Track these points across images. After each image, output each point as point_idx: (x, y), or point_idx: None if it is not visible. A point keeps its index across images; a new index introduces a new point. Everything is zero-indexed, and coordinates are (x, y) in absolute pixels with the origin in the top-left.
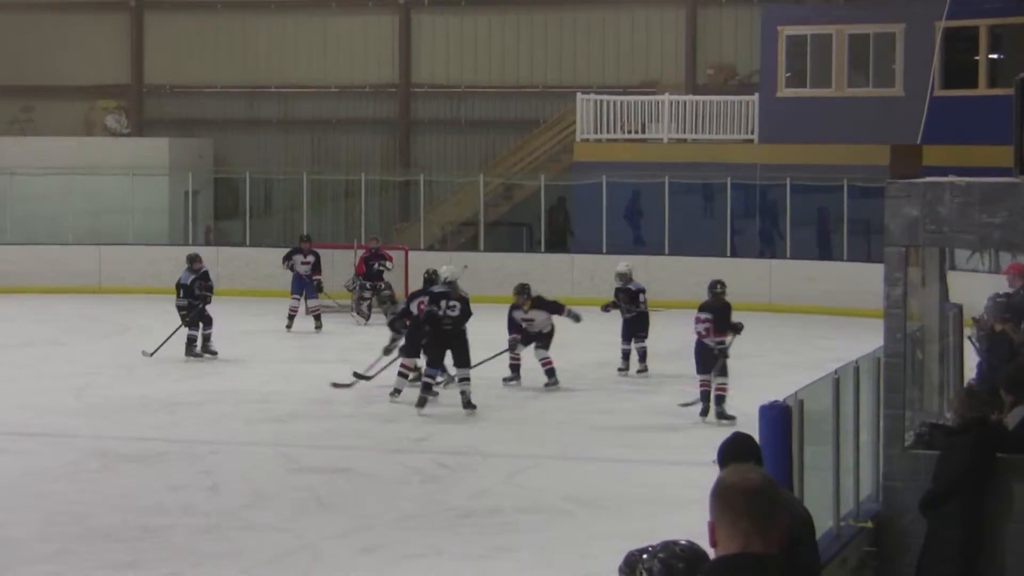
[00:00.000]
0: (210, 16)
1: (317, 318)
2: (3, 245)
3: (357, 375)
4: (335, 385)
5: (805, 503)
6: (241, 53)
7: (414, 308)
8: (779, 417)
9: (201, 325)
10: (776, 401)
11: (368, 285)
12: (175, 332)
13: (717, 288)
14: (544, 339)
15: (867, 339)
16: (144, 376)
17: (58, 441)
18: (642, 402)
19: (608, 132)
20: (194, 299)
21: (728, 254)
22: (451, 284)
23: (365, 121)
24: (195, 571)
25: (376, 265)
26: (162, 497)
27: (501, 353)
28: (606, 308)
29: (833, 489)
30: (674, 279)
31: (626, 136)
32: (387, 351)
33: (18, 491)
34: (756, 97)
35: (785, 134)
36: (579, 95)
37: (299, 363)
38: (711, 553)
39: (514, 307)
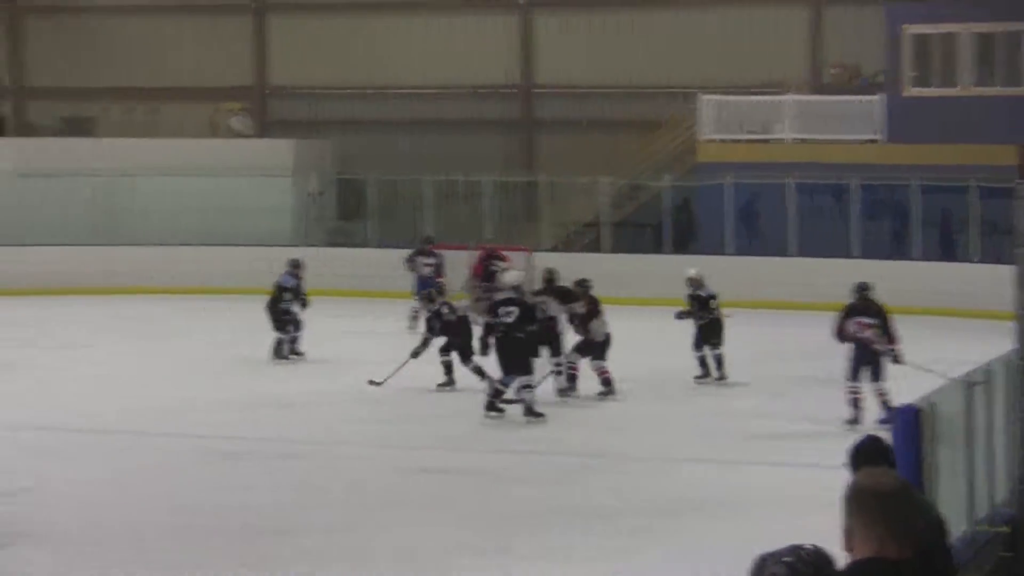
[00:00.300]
0: (333, 17)
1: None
2: (132, 246)
3: (372, 382)
4: (371, 383)
5: (938, 507)
6: (364, 54)
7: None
8: (911, 420)
9: (291, 328)
10: (908, 404)
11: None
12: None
13: (866, 290)
14: (599, 348)
15: (998, 342)
16: (273, 375)
17: (160, 438)
18: (766, 405)
19: (731, 132)
20: (300, 303)
21: (854, 255)
22: (516, 289)
23: (488, 122)
24: (326, 571)
25: (491, 266)
26: (291, 496)
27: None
28: (680, 316)
29: (966, 493)
30: (798, 280)
31: (749, 136)
32: (415, 354)
33: (151, 487)
34: (881, 97)
35: (910, 134)
36: (701, 95)
37: (423, 364)
38: (839, 557)
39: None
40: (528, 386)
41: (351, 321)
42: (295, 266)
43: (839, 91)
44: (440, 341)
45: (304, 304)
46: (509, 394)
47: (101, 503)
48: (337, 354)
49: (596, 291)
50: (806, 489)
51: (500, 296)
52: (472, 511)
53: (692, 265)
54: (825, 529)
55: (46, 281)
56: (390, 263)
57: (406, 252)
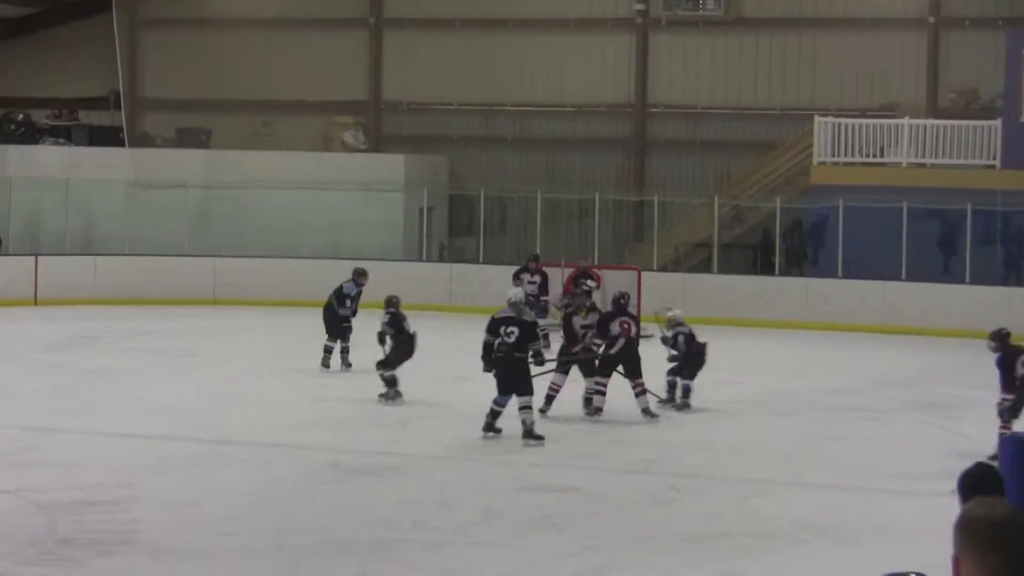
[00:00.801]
0: (447, 33)
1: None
2: (243, 258)
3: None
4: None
5: None
6: (478, 71)
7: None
8: (1020, 449)
9: (348, 336)
10: (1017, 432)
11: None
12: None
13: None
14: (630, 365)
15: None
16: (376, 389)
17: (293, 452)
18: (873, 430)
19: (846, 155)
20: (352, 311)
21: (967, 281)
22: (515, 307)
23: (600, 140)
24: None
25: (582, 285)
26: (393, 511)
27: (543, 372)
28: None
29: None
30: (911, 305)
31: (864, 160)
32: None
33: (253, 501)
34: (999, 122)
35: None
36: (817, 117)
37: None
38: None
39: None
40: (527, 407)
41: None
42: (360, 275)
43: (956, 115)
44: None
45: (354, 312)
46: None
47: (214, 515)
48: (442, 370)
49: (707, 311)
50: (912, 516)
51: (501, 314)
52: (577, 531)
53: (806, 288)
54: (933, 558)
55: (155, 291)
56: (501, 279)
57: (514, 268)
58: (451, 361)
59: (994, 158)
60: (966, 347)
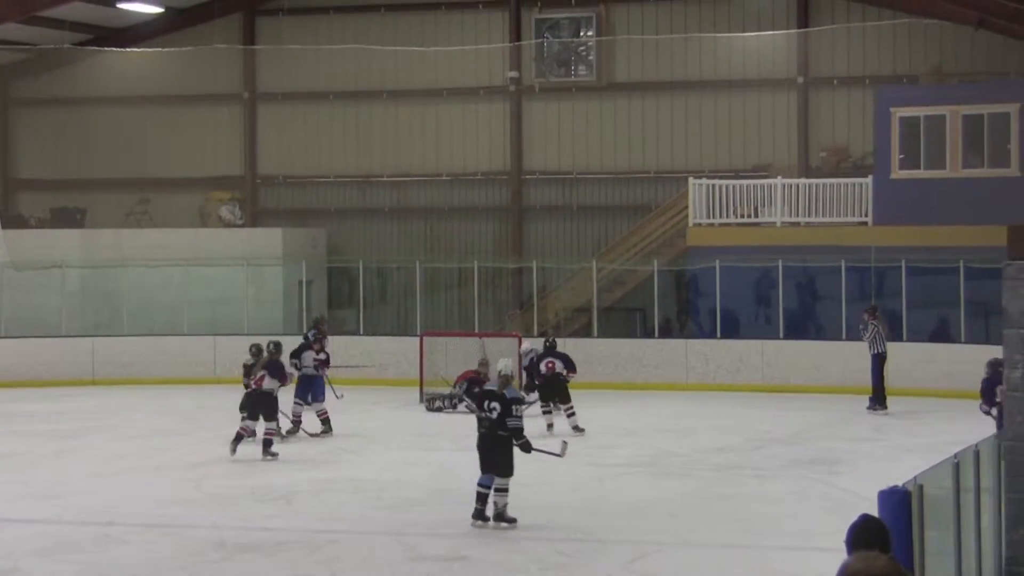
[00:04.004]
0: (322, 106)
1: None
2: (121, 336)
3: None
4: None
5: None
6: (353, 142)
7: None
8: (899, 502)
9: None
10: (896, 486)
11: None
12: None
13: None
14: (560, 394)
15: (988, 422)
16: (262, 466)
17: (179, 532)
18: (758, 488)
19: (721, 216)
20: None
21: (843, 337)
22: (505, 379)
23: (477, 208)
24: None
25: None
26: None
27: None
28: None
29: (955, 574)
30: (789, 363)
31: (739, 220)
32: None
33: None
34: (870, 179)
35: (900, 216)
36: (691, 180)
37: (416, 451)
38: None
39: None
40: (503, 490)
41: (340, 409)
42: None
43: (828, 174)
44: None
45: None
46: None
47: None
48: (326, 442)
49: (589, 376)
50: (799, 572)
51: (487, 386)
52: None
53: (686, 349)
54: None
55: (37, 373)
56: (382, 350)
57: (397, 339)
58: (336, 433)
59: (866, 215)
60: (844, 402)
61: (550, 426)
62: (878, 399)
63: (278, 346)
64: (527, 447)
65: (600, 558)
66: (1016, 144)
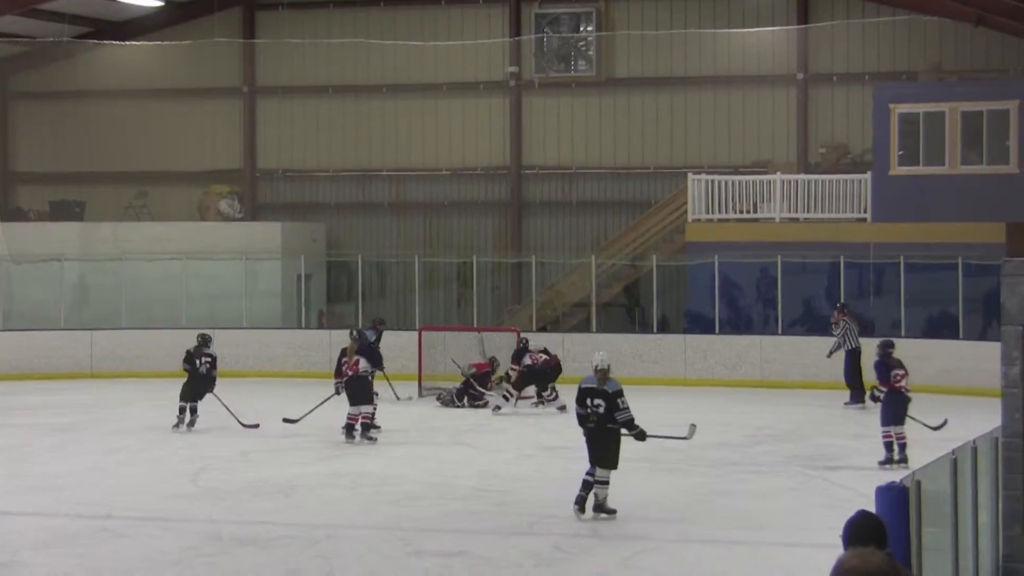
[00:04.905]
0: (322, 100)
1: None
2: (119, 330)
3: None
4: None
5: None
6: (353, 137)
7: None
8: (897, 498)
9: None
10: (893, 482)
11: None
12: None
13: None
14: (541, 380)
15: (985, 419)
16: (259, 460)
17: (176, 526)
18: (757, 484)
19: (720, 212)
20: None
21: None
22: (603, 373)
23: (477, 203)
24: None
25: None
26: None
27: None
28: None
29: (952, 571)
30: (787, 359)
31: (738, 216)
32: None
33: (136, 575)
34: (869, 175)
35: (899, 212)
36: (690, 175)
37: (416, 445)
38: None
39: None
40: (604, 482)
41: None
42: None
43: (827, 170)
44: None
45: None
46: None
47: None
48: (325, 438)
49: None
50: (798, 569)
51: (586, 384)
52: None
53: (684, 344)
54: None
55: (36, 366)
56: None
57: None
58: (334, 429)
59: (865, 211)
60: (842, 399)
61: (563, 408)
62: (856, 395)
63: (361, 333)
64: (642, 435)
65: (598, 554)
66: (1015, 141)
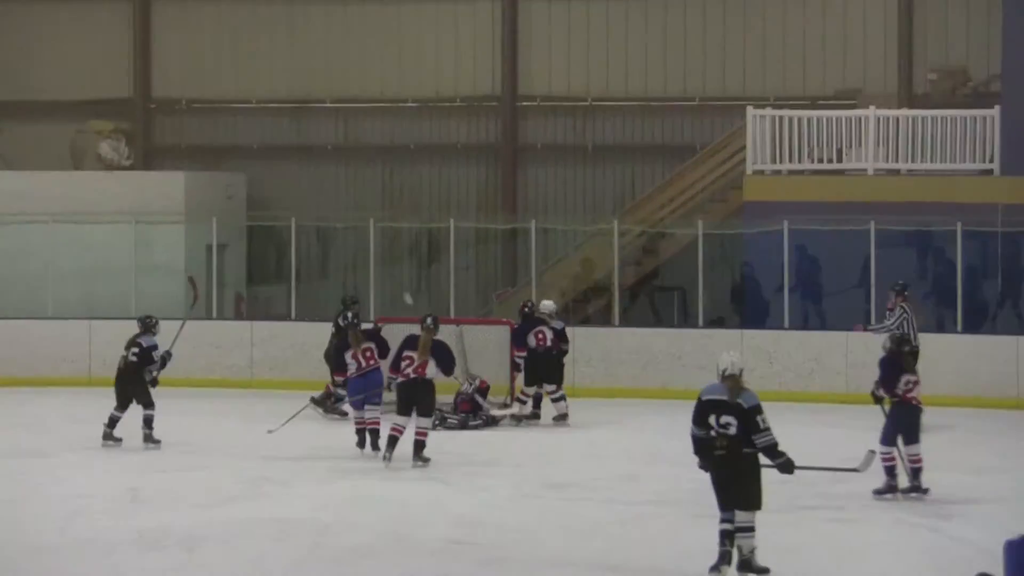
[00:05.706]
0: (243, 7)
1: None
2: None
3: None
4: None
5: None
6: (286, 57)
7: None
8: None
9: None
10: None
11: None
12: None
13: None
14: (549, 372)
15: None
16: (153, 499)
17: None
18: (841, 535)
19: (791, 162)
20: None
21: (958, 328)
22: (734, 380)
23: (455, 148)
24: None
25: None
26: None
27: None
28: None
29: None
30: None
31: (816, 167)
32: None
33: None
34: (997, 111)
35: None
36: (750, 111)
37: (370, 479)
38: None
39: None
40: (748, 529)
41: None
42: (148, 326)
43: (939, 104)
44: None
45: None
46: None
47: None
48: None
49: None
50: None
51: (708, 395)
52: None
53: (741, 342)
54: None
55: None
56: (319, 342)
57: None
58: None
59: (991, 161)
60: (960, 418)
61: (523, 418)
62: None
63: (436, 320)
64: (789, 466)
65: None
66: None
